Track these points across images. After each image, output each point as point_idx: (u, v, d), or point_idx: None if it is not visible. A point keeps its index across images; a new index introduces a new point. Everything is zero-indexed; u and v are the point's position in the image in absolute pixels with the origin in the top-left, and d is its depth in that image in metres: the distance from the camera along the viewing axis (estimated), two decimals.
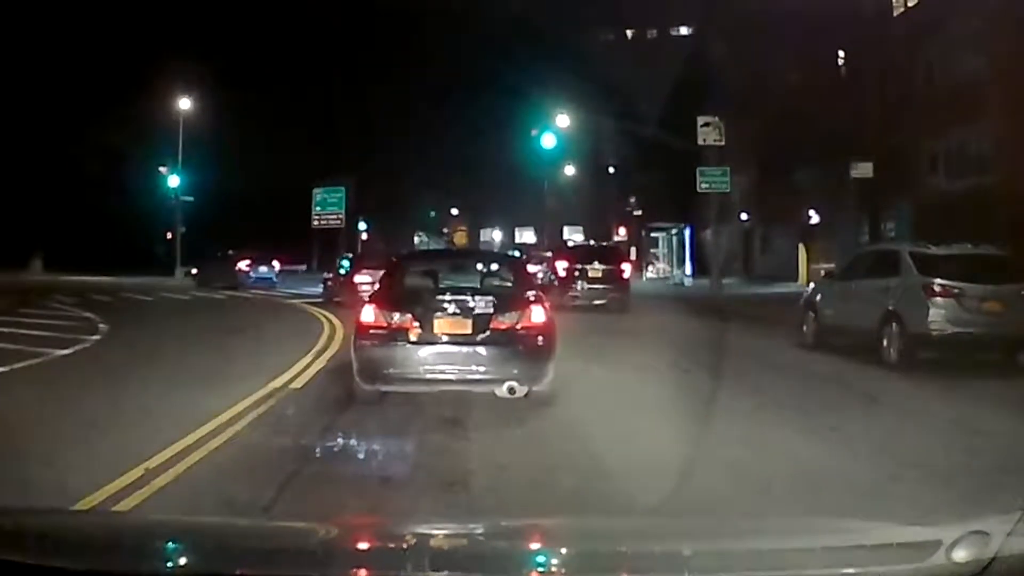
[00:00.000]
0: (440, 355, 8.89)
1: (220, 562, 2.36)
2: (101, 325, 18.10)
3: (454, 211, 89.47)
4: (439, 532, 3.03)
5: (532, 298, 9.48)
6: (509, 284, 10.30)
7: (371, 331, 9.00)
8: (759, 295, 30.88)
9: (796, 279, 37.04)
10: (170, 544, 2.59)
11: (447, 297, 9.19)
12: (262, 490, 5.92)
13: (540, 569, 2.47)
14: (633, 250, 47.87)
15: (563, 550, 2.67)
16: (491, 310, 8.99)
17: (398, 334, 8.90)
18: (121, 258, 48.79)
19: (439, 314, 8.99)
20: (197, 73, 51.88)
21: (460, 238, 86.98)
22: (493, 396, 8.86)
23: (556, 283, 23.54)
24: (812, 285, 16.31)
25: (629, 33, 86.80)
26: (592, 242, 32.27)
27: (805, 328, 15.36)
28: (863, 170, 24.92)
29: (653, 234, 43.84)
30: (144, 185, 52.97)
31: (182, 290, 34.31)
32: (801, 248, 37.97)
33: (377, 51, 68.62)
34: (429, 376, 8.87)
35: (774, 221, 40.63)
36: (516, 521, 3.88)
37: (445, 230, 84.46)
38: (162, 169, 51.36)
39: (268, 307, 26.75)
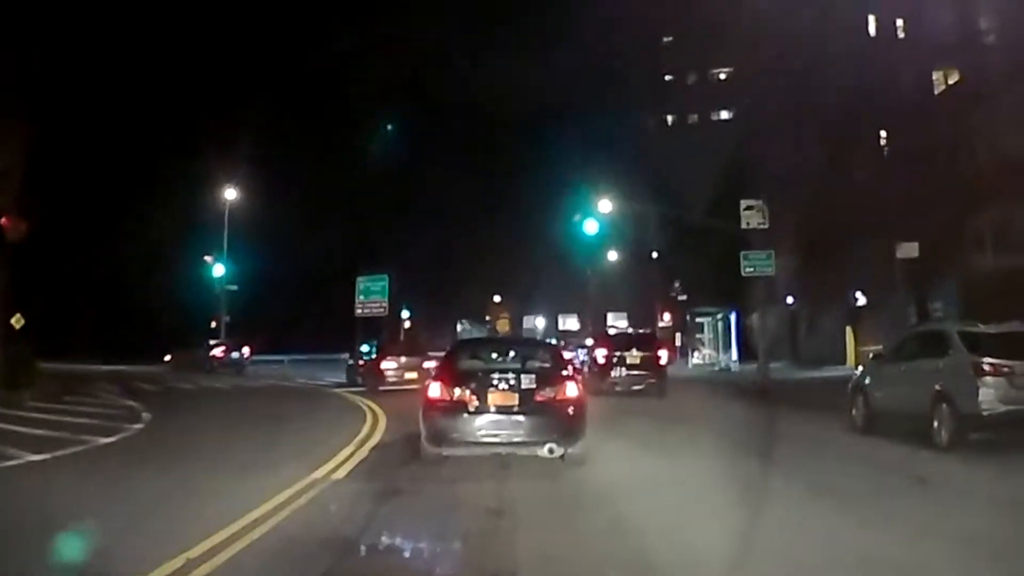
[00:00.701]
0: (493, 423, 10.48)
1: None
2: (144, 414, 18.25)
3: (496, 298, 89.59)
4: None
5: (567, 376, 11.07)
6: (548, 365, 11.70)
7: (437, 404, 10.68)
8: (806, 379, 30.43)
9: (844, 362, 36.48)
10: None
11: (497, 376, 10.76)
12: None
13: None
14: (678, 336, 47.54)
15: None
16: (534, 386, 10.61)
17: (459, 406, 10.55)
18: (164, 348, 49.68)
19: (491, 389, 10.57)
20: (241, 162, 53.14)
21: (503, 325, 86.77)
22: (537, 488, 9.51)
23: (596, 369, 24.87)
24: (860, 368, 15.99)
25: (670, 119, 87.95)
26: (630, 330, 33.45)
27: (855, 412, 15.05)
28: (908, 250, 24.71)
29: (698, 319, 43.53)
30: (190, 275, 53.81)
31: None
32: (848, 330, 37.46)
33: (420, 138, 69.81)
34: (484, 440, 10.48)
35: (820, 303, 40.23)
36: None
37: (488, 318, 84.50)
38: (207, 259, 52.23)
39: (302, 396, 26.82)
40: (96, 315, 52.56)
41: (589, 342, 31.29)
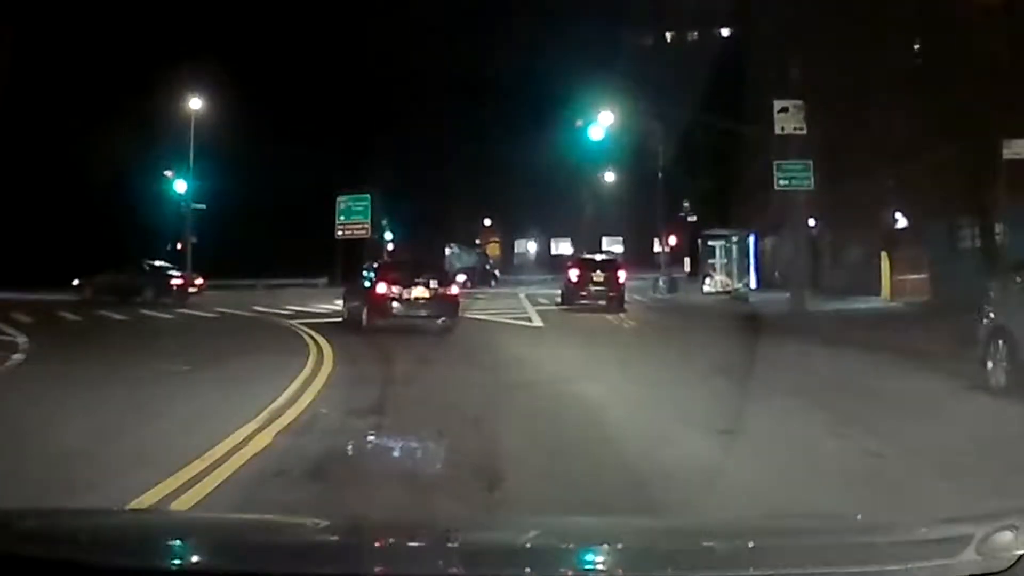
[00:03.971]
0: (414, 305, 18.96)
1: (255, 559, 2.34)
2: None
3: (487, 222, 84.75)
4: (470, 530, 3.12)
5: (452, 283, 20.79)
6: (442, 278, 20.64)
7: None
8: (847, 311, 26.18)
9: (878, 292, 32.22)
10: (204, 542, 2.60)
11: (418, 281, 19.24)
12: None
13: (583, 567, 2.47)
14: (686, 260, 43.24)
15: (602, 548, 2.62)
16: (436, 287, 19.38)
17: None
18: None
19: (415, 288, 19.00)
20: (209, 71, 48.05)
21: (493, 249, 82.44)
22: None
23: (570, 286, 29.43)
24: (992, 297, 11.37)
25: (668, 36, 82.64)
26: (598, 256, 35.76)
27: (990, 364, 10.59)
28: (1018, 148, 19.52)
29: (710, 243, 39.08)
30: (151, 193, 49.06)
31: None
32: (883, 256, 33.06)
33: (404, 50, 64.11)
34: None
35: (848, 226, 35.76)
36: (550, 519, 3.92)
37: (478, 241, 79.86)
38: (167, 173, 47.36)
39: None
40: (54, 238, 47.78)
41: None
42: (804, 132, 25.45)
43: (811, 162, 25.54)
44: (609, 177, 68.59)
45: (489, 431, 7.98)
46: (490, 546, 2.70)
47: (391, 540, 2.72)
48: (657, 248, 53.44)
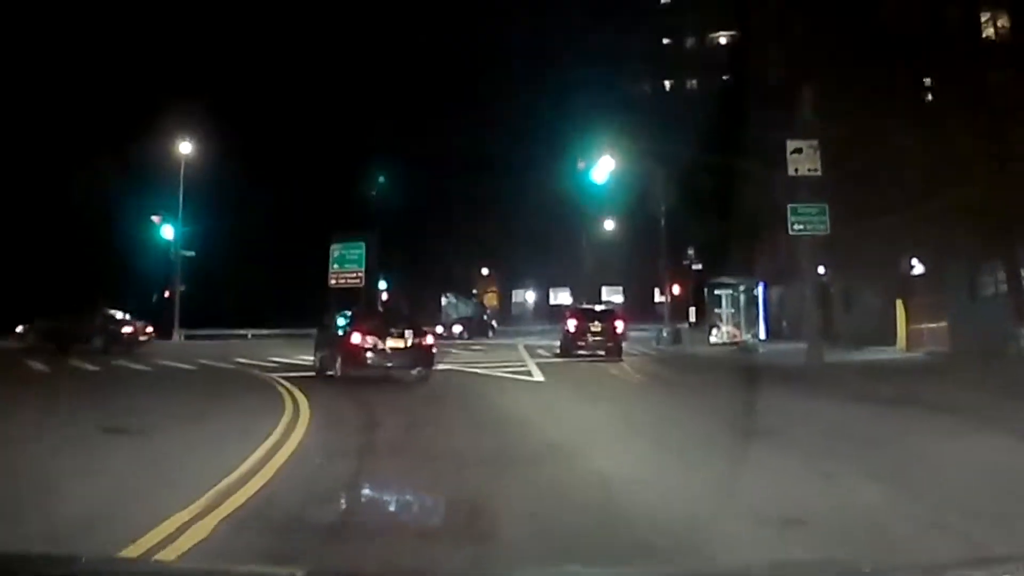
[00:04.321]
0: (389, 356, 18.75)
1: None
2: None
3: (484, 271, 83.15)
4: None
5: (428, 334, 20.06)
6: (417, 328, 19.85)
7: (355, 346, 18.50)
8: (872, 364, 24.57)
9: (892, 342, 30.70)
10: None
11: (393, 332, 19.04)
12: None
13: None
14: (691, 311, 41.63)
15: None
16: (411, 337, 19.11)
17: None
18: None
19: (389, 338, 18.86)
20: (199, 114, 46.98)
21: (490, 299, 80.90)
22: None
23: (569, 335, 29.59)
24: None
25: (668, 84, 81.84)
26: (596, 307, 35.07)
27: None
28: None
29: (717, 291, 37.56)
30: (139, 238, 47.56)
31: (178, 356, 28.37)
32: (899, 305, 31.55)
33: (400, 91, 63.15)
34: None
35: (861, 273, 34.25)
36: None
37: (475, 291, 78.28)
38: (155, 218, 45.90)
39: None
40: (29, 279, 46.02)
41: None
42: (819, 174, 24.12)
43: (826, 206, 24.14)
44: (609, 225, 67.23)
45: (490, 528, 6.21)
46: None
47: None
48: (659, 298, 53.56)
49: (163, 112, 45.28)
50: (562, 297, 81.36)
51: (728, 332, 36.68)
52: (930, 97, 30.78)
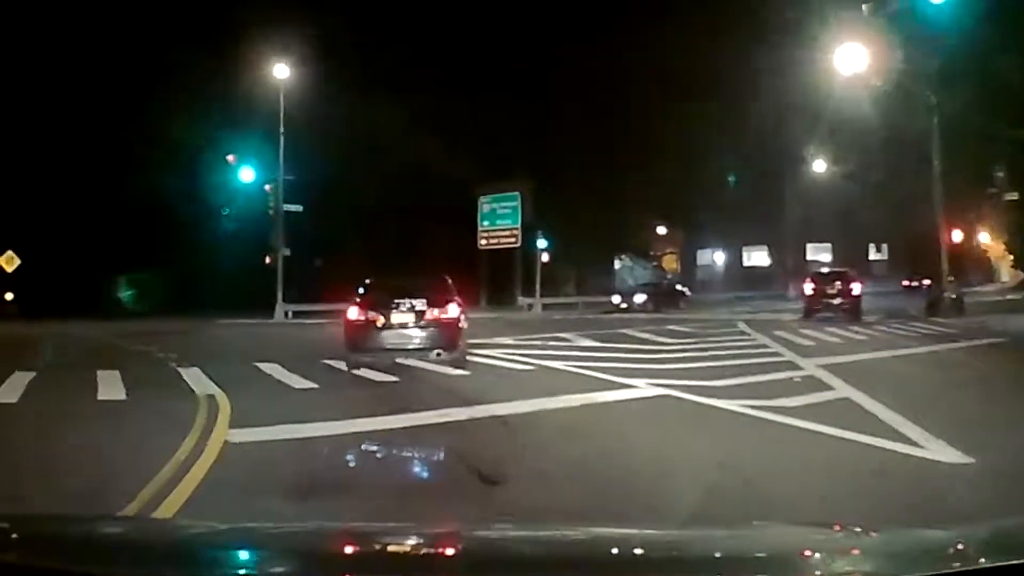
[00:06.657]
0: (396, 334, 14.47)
1: (252, 566, 2.41)
2: None
3: (661, 230, 69.42)
4: (468, 535, 2.96)
5: (450, 303, 14.86)
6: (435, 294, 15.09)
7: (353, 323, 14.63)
8: None
9: None
10: (206, 550, 2.57)
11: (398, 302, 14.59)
12: None
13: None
14: (999, 263, 28.29)
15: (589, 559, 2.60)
16: (424, 308, 14.52)
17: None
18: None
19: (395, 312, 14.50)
20: (298, 34, 37.07)
21: (669, 262, 68.02)
22: None
23: (805, 300, 30.02)
24: None
25: None
26: (827, 269, 34.71)
27: None
28: None
29: None
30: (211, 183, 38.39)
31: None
32: None
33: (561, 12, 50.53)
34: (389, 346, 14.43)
35: None
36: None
37: (652, 252, 65.50)
38: (229, 158, 36.00)
39: None
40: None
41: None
42: None
43: None
44: (819, 167, 52.76)
45: None
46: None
47: (389, 546, 2.69)
48: (873, 255, 48.57)
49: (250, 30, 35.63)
50: (758, 257, 68.11)
51: None
52: None
